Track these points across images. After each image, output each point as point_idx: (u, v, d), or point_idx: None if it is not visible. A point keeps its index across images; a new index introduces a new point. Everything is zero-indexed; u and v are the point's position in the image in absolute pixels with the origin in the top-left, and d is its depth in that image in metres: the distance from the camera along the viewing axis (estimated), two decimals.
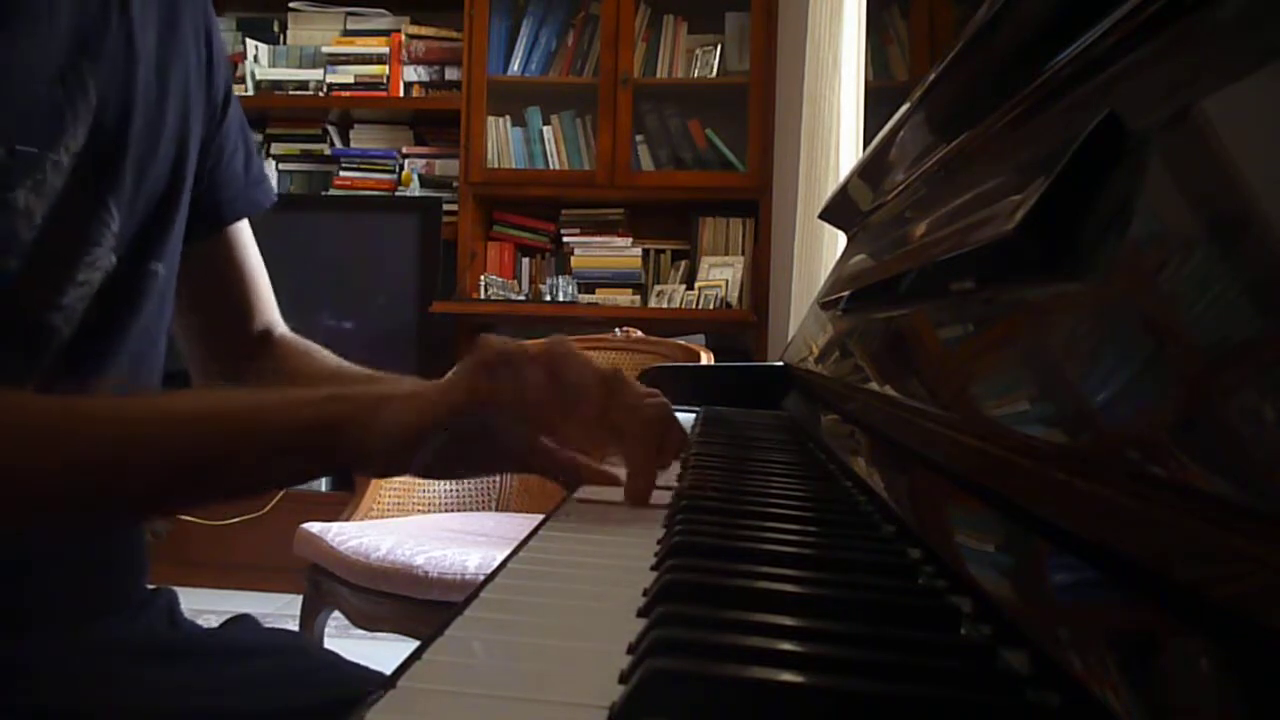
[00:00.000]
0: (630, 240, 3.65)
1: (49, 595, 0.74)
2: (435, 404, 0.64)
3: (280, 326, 0.97)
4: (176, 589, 0.87)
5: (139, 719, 0.69)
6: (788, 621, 0.39)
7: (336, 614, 2.06)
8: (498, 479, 2.58)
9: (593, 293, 3.62)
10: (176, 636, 0.81)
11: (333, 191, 3.84)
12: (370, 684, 0.79)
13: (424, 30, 3.82)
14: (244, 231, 0.92)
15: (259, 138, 3.91)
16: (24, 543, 0.70)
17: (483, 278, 3.61)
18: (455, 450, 0.68)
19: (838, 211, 1.44)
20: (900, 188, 1.00)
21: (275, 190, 0.94)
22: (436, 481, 2.52)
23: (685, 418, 1.13)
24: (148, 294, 0.77)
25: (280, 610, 3.08)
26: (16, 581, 0.70)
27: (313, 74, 3.81)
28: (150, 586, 0.84)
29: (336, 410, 0.64)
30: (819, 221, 1.94)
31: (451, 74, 3.78)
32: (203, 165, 0.84)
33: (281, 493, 3.43)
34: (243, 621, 0.87)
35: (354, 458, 0.66)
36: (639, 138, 3.61)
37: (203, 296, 0.90)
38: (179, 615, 0.84)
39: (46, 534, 0.69)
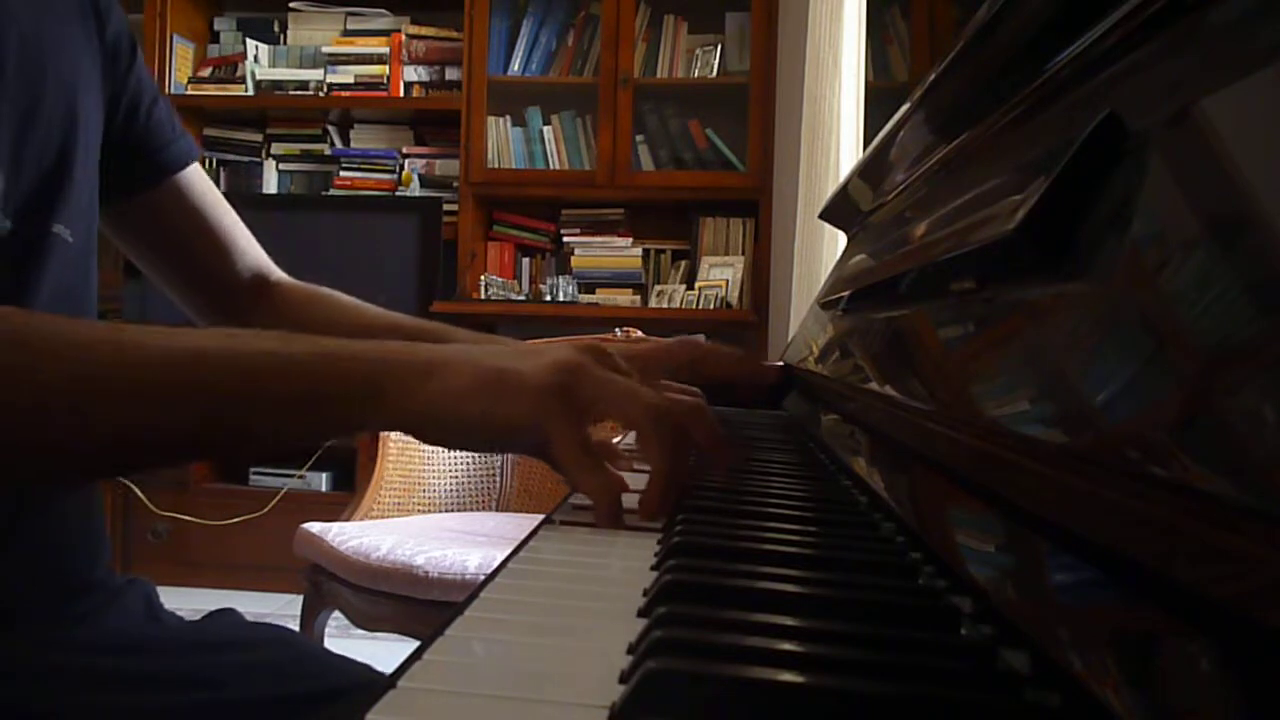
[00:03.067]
0: (630, 240, 3.66)
1: (7, 587, 0.72)
2: (500, 399, 0.56)
3: (276, 272, 0.96)
4: (177, 588, 0.86)
5: (118, 715, 0.68)
6: (788, 621, 0.39)
7: (336, 614, 2.07)
8: (498, 479, 2.58)
9: (593, 293, 3.62)
10: (154, 630, 0.80)
11: (333, 191, 3.84)
12: (355, 676, 0.78)
13: (424, 30, 3.82)
14: (195, 179, 0.90)
15: (259, 138, 3.92)
16: None
17: (483, 278, 3.61)
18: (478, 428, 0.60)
19: (838, 211, 1.44)
20: (900, 188, 1.00)
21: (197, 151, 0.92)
22: (436, 481, 2.51)
23: None
24: (51, 258, 0.73)
25: (280, 610, 3.08)
26: None
27: (313, 74, 3.82)
28: (126, 578, 0.83)
29: (380, 367, 0.57)
30: (819, 221, 1.94)
31: (451, 74, 3.78)
32: (118, 117, 0.82)
33: (281, 493, 3.44)
34: (225, 615, 0.86)
35: (388, 424, 0.59)
36: (639, 138, 3.62)
37: (171, 250, 0.89)
38: (158, 607, 0.83)
39: (36, 481, 0.62)
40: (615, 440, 0.84)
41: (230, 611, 0.86)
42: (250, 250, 0.94)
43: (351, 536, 1.99)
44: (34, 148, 0.72)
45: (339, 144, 3.90)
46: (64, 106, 0.75)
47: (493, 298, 3.58)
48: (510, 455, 2.40)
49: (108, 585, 0.80)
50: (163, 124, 0.87)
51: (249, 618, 0.87)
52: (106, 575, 0.81)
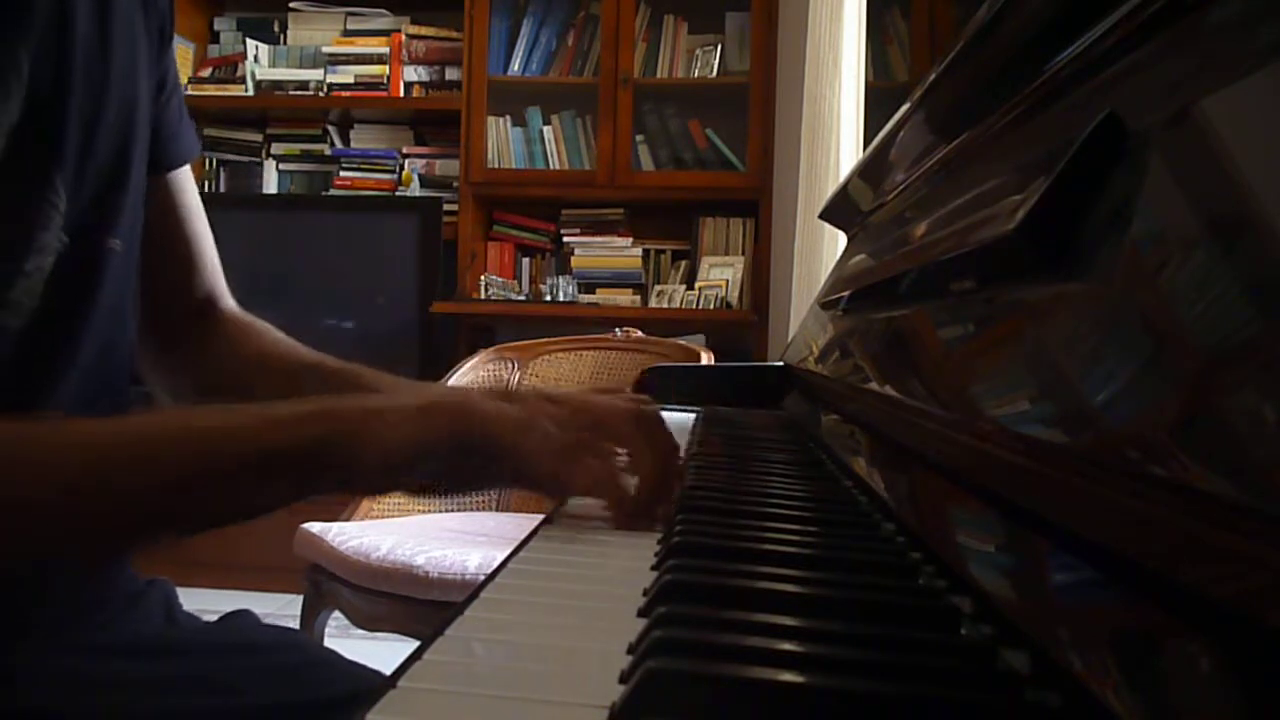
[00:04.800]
0: (630, 240, 3.65)
1: (29, 595, 0.71)
2: (434, 425, 0.58)
3: (227, 299, 0.91)
4: (177, 588, 0.86)
5: (136, 718, 0.68)
6: (788, 621, 0.39)
7: (336, 614, 2.07)
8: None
9: (593, 293, 3.62)
10: (173, 633, 0.80)
11: (333, 191, 3.84)
12: (367, 682, 0.78)
13: (424, 30, 3.82)
14: (187, 182, 0.86)
15: (259, 138, 3.92)
16: None
17: (483, 278, 3.61)
18: (445, 468, 0.62)
19: (838, 211, 1.44)
20: (900, 188, 1.00)
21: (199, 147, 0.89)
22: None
23: (685, 418, 1.13)
24: (106, 273, 0.71)
25: (280, 610, 3.08)
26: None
27: (313, 74, 3.82)
28: (146, 579, 0.83)
29: (323, 427, 0.58)
30: (819, 221, 1.94)
31: (452, 74, 3.78)
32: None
33: None
34: (241, 616, 0.86)
35: (344, 479, 0.61)
36: (639, 138, 3.61)
37: (148, 246, 0.83)
38: (176, 609, 0.83)
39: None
40: None
41: (246, 613, 0.86)
42: (211, 274, 0.90)
43: (351, 536, 1.99)
44: (98, 158, 0.70)
45: (339, 144, 3.90)
46: (123, 111, 0.72)
47: (493, 298, 3.58)
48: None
49: (129, 589, 0.80)
50: (175, 113, 0.83)
51: None
52: (128, 580, 0.81)
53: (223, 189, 3.89)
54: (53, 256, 0.66)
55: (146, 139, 0.76)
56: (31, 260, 0.65)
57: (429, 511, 2.44)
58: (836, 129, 2.53)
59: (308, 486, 0.60)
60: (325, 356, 0.90)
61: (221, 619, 0.85)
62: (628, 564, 0.50)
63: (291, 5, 3.90)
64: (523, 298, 3.66)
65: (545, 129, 3.68)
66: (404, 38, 3.79)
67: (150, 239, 0.82)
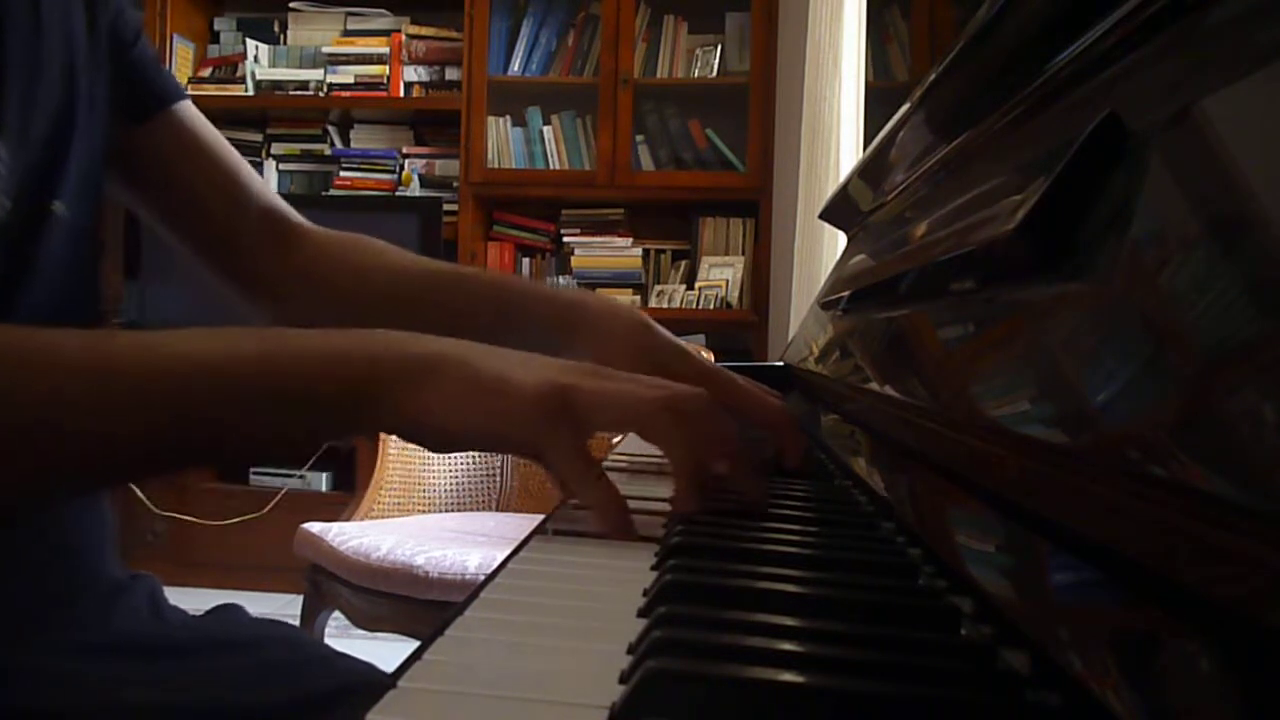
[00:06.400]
0: (630, 240, 3.66)
1: (11, 589, 0.70)
2: (494, 411, 0.54)
3: (296, 217, 0.90)
4: (177, 588, 0.85)
5: (122, 717, 0.67)
6: (788, 622, 0.39)
7: (337, 614, 2.07)
8: (498, 479, 2.58)
9: (593, 292, 3.62)
10: (159, 628, 0.79)
11: (333, 191, 3.84)
12: (359, 675, 0.78)
13: (424, 30, 3.82)
14: (191, 116, 0.85)
15: (259, 138, 3.92)
16: None
17: None
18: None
19: (838, 211, 1.44)
20: (900, 188, 1.00)
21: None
22: (436, 481, 2.51)
23: None
24: (47, 235, 0.69)
25: (280, 610, 3.08)
26: None
27: (313, 74, 3.82)
28: (131, 573, 0.81)
29: (363, 373, 0.54)
30: (819, 221, 1.94)
31: (451, 74, 3.78)
32: (112, 49, 0.77)
33: (281, 493, 3.43)
34: (229, 611, 0.84)
35: (377, 429, 0.57)
36: (639, 138, 3.62)
37: (172, 194, 0.84)
38: (163, 604, 0.81)
39: None
40: (615, 441, 0.83)
41: (233, 607, 0.85)
42: (261, 192, 0.88)
43: (351, 536, 1.99)
44: (36, 121, 0.68)
45: (339, 144, 3.90)
46: (61, 66, 0.70)
47: None
48: (510, 455, 2.40)
49: (114, 580, 0.79)
50: (147, 58, 0.82)
51: None
52: (112, 568, 0.80)
53: None
54: None
55: (92, 102, 0.74)
56: None
57: (429, 512, 2.44)
58: (836, 129, 2.53)
59: (334, 430, 0.58)
60: (464, 267, 0.89)
61: (208, 613, 0.84)
62: (628, 564, 0.50)
63: (291, 5, 3.90)
64: None
65: (545, 129, 3.68)
66: (404, 38, 3.79)
67: (179, 179, 0.83)
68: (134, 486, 3.43)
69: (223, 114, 3.91)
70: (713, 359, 2.42)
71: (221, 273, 0.88)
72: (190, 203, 0.86)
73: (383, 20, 3.85)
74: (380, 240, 0.91)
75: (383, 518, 2.35)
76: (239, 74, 3.87)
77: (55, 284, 0.70)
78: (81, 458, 0.53)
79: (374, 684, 0.33)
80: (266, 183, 0.90)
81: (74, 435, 0.52)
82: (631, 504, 0.58)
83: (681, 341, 0.84)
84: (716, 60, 3.60)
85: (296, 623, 2.09)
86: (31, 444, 0.51)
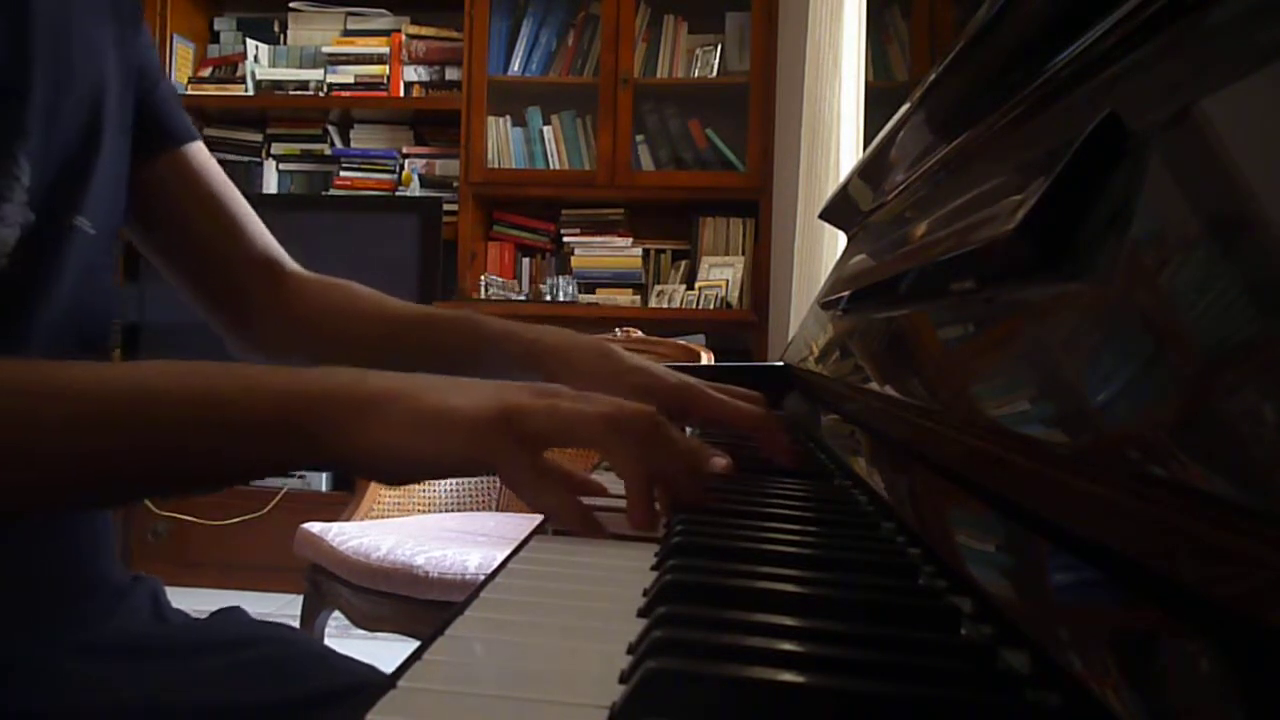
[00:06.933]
0: (630, 240, 3.66)
1: (12, 591, 0.71)
2: (440, 439, 0.56)
3: (290, 263, 0.93)
4: (177, 588, 0.85)
5: (123, 717, 0.67)
6: (788, 621, 0.39)
7: (336, 614, 2.07)
8: (498, 479, 2.58)
9: (593, 293, 3.62)
10: (161, 630, 0.79)
11: (333, 191, 3.84)
12: (360, 676, 0.78)
13: (424, 30, 3.82)
14: (202, 157, 0.88)
15: (259, 138, 3.92)
16: None
17: (483, 278, 3.61)
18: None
19: (838, 211, 1.44)
20: (900, 188, 1.00)
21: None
22: (436, 481, 2.51)
23: None
24: (70, 250, 0.71)
25: (280, 610, 3.08)
26: None
27: (313, 74, 3.82)
28: (132, 575, 0.82)
29: (306, 406, 0.56)
30: (819, 221, 1.94)
31: (452, 74, 3.78)
32: (140, 83, 0.80)
33: (281, 493, 3.43)
34: (232, 613, 0.85)
35: (327, 464, 0.60)
36: (639, 138, 3.62)
37: (176, 231, 0.87)
38: (164, 606, 0.82)
39: None
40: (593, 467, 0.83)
41: (236, 610, 0.85)
42: (260, 237, 0.91)
43: (351, 536, 1.99)
44: (62, 134, 0.70)
45: (339, 144, 3.90)
46: (89, 88, 0.73)
47: (493, 298, 3.58)
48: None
49: (115, 583, 0.79)
50: (168, 98, 0.85)
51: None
52: (114, 571, 0.80)
53: None
54: (15, 230, 0.67)
55: (119, 123, 0.76)
56: None
57: (429, 512, 2.44)
58: (836, 129, 2.53)
59: (296, 460, 0.60)
60: (430, 310, 0.92)
61: (211, 616, 0.85)
62: (628, 564, 0.50)
63: (291, 5, 3.90)
64: (523, 298, 3.66)
65: (545, 129, 3.68)
66: (404, 38, 3.79)
67: (184, 218, 0.86)
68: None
69: (223, 114, 3.92)
70: (712, 359, 2.42)
71: (211, 309, 0.92)
72: (189, 241, 0.89)
73: (383, 20, 3.85)
74: (365, 287, 0.94)
75: (383, 518, 2.34)
76: (239, 74, 3.87)
77: (74, 296, 0.73)
78: (76, 475, 0.56)
79: (374, 684, 0.33)
80: (263, 228, 0.92)
81: (43, 455, 0.55)
82: (618, 502, 0.59)
83: (641, 360, 0.86)
84: (716, 60, 3.60)
85: (296, 623, 2.09)
86: (42, 463, 0.54)
